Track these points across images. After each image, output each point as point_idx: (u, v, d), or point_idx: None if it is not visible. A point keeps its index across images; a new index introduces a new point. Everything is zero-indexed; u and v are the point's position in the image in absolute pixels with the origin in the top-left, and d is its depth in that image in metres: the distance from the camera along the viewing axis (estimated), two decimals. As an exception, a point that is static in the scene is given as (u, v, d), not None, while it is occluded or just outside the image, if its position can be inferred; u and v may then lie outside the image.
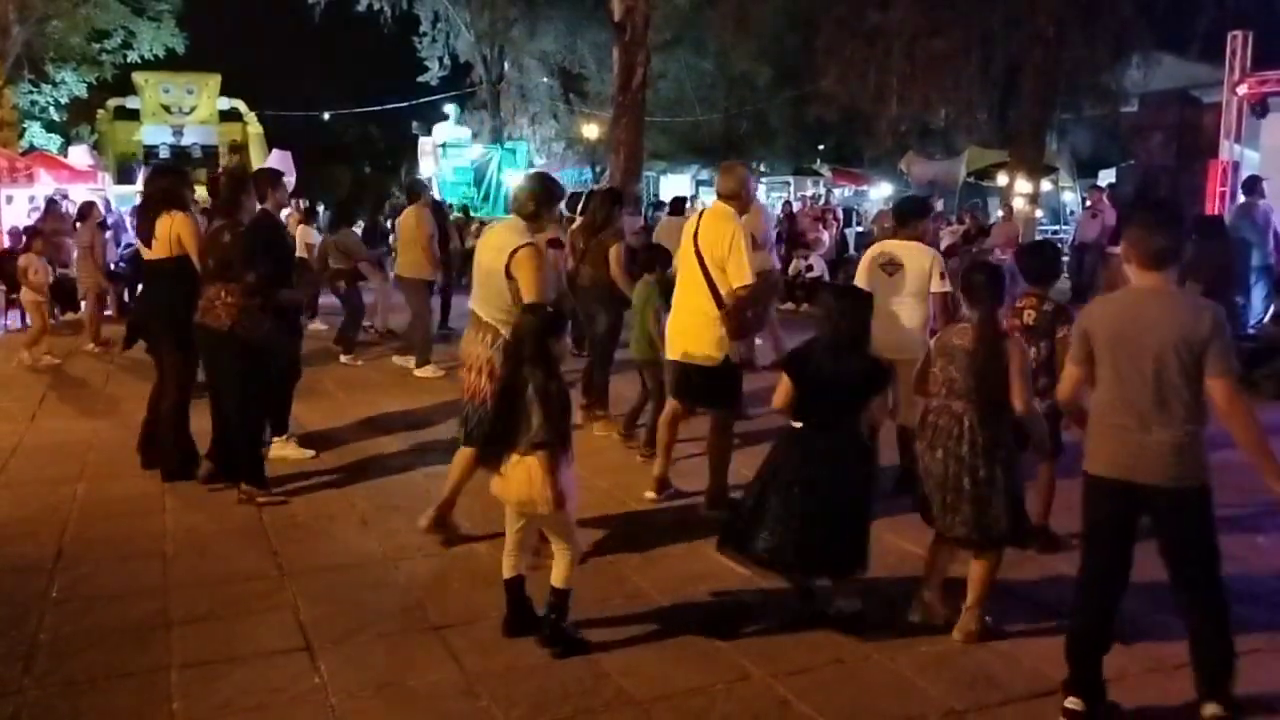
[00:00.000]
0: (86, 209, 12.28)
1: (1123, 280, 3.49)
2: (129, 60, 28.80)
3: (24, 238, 13.12)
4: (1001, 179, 19.68)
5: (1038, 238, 16.33)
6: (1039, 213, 18.35)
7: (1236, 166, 13.55)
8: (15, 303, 13.62)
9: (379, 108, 35.16)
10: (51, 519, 5.47)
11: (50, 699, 3.58)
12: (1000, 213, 17.36)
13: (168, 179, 6.53)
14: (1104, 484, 3.36)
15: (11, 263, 13.54)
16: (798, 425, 4.13)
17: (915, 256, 5.80)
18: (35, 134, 27.19)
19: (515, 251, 4.74)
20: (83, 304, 12.12)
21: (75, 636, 4.06)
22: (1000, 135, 21.61)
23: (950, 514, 3.96)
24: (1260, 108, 13.35)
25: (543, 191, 5.06)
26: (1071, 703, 3.39)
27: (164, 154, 25.72)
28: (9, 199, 16.20)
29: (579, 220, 8.98)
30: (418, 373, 9.65)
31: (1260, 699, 3.51)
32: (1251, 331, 10.29)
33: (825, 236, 16.63)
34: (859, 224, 22.91)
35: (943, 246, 16.14)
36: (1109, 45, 18.40)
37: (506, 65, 32.95)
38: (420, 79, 33.51)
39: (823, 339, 4.15)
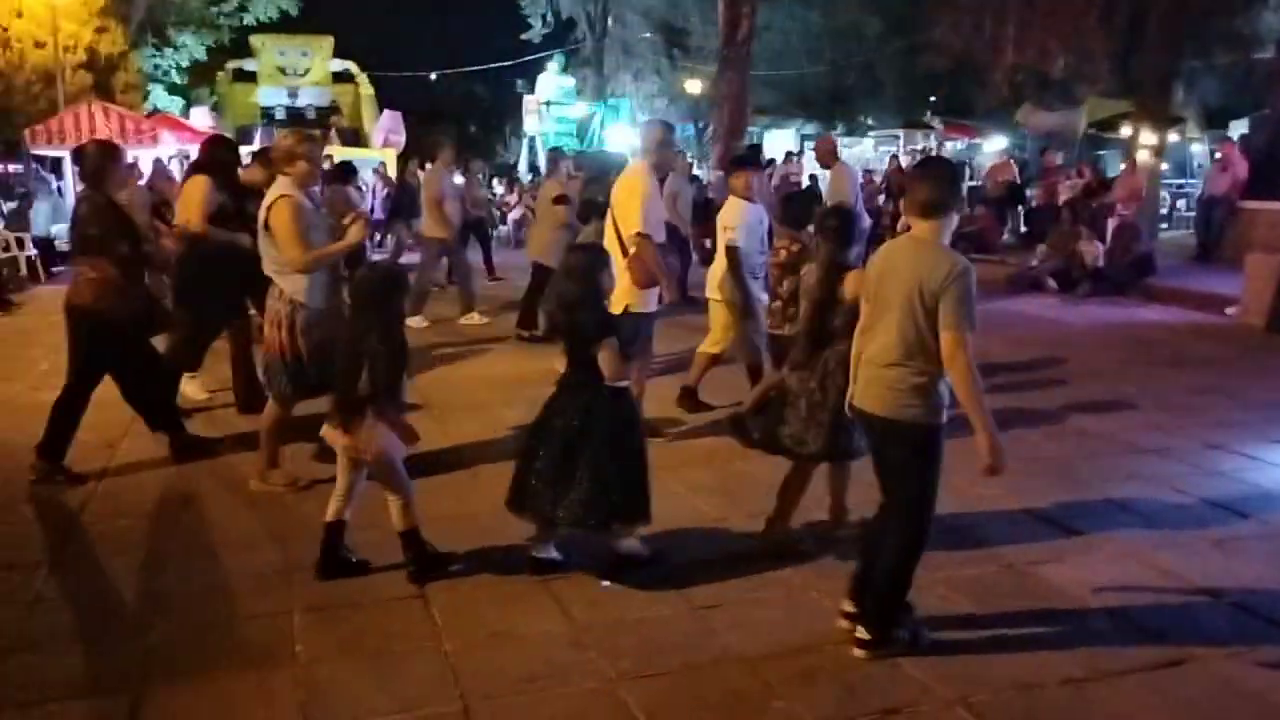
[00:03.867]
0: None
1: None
2: (245, 23, 29.61)
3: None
4: (1125, 131, 18.80)
5: (1153, 190, 15.65)
6: (1164, 165, 17.51)
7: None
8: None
9: (484, 67, 35.45)
10: (181, 466, 5.71)
11: (181, 639, 3.74)
12: (1122, 166, 16.62)
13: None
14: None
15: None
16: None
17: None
18: (159, 96, 28.22)
19: (271, 205, 4.98)
20: None
21: (203, 579, 4.25)
22: (1123, 85, 20.60)
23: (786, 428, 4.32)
24: None
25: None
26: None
27: (279, 115, 26.41)
28: (134, 159, 16.83)
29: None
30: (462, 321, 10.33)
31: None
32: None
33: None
34: (972, 178, 22.24)
35: (1061, 200, 15.61)
36: (1243, -14, 17.37)
37: (610, 21, 32.79)
38: (524, 36, 33.62)
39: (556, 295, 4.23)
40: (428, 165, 13.00)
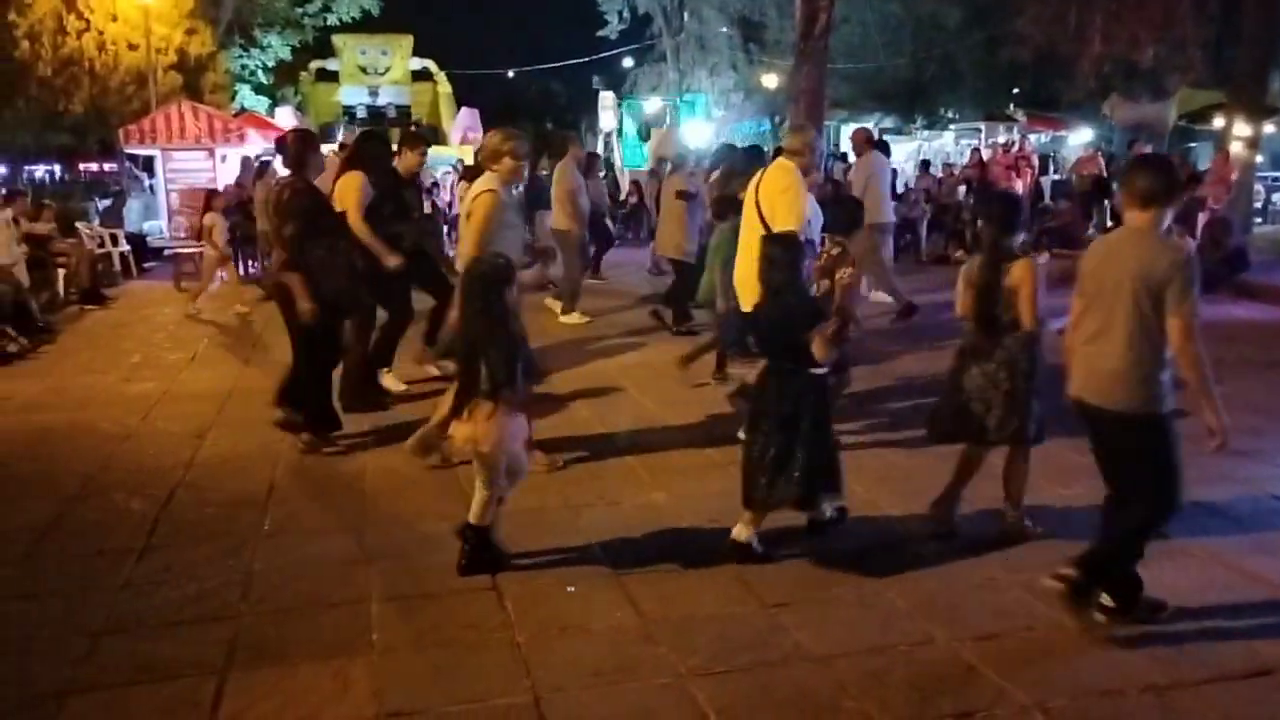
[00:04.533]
0: (263, 168, 13.18)
1: None
2: (328, 23, 30.21)
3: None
4: (1217, 122, 18.19)
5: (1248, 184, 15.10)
6: (1259, 158, 16.87)
7: None
8: (230, 256, 14.66)
9: (560, 64, 35.69)
10: (264, 457, 5.87)
11: (263, 624, 3.85)
12: (1214, 158, 16.07)
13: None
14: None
15: (228, 218, 14.55)
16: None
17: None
18: (245, 96, 28.97)
19: (476, 197, 5.18)
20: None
21: (285, 568, 4.36)
22: (1216, 75, 19.94)
23: (977, 421, 4.35)
24: None
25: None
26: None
27: (361, 114, 26.89)
28: (223, 158, 17.30)
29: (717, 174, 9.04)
30: (562, 319, 10.14)
31: None
32: None
33: (1019, 185, 15.86)
34: (1056, 171, 21.71)
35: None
36: (1347, -30, 16.61)
37: (686, 16, 32.72)
38: (600, 33, 33.72)
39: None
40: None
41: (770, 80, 29.41)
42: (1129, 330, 3.45)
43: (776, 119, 29.68)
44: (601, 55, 34.17)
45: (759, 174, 5.97)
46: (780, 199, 5.66)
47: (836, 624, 3.77)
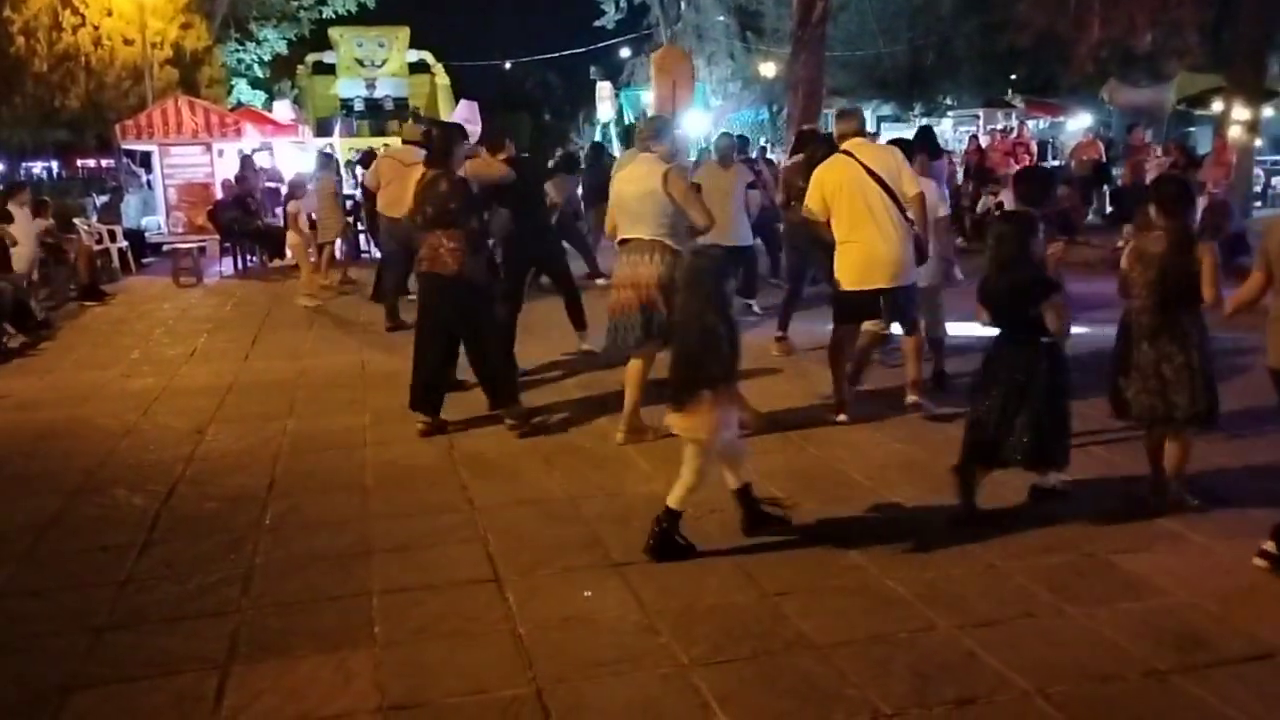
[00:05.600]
0: (325, 159, 13.64)
1: None
2: (324, 15, 30.11)
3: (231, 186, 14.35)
4: (1216, 106, 18.14)
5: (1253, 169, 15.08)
6: (1258, 141, 16.83)
7: None
8: (228, 250, 14.67)
9: (557, 54, 35.60)
10: (264, 452, 5.87)
11: (265, 618, 3.86)
12: (1215, 143, 16.03)
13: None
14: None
15: (225, 212, 14.56)
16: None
17: None
18: (242, 90, 28.91)
19: (665, 175, 5.49)
20: (324, 248, 13.02)
21: (286, 562, 4.36)
22: (1214, 58, 19.87)
23: (1156, 397, 4.46)
24: None
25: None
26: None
27: (358, 107, 26.75)
28: (220, 152, 17.26)
29: (793, 159, 8.99)
30: None
31: None
32: None
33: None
34: (1055, 157, 21.66)
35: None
36: (1345, -49, 16.56)
37: (683, 5, 32.62)
38: (597, 23, 33.62)
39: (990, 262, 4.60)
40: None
41: (768, 69, 29.33)
42: None
43: (774, 108, 29.63)
44: (598, 46, 34.10)
45: (844, 155, 6.10)
46: (902, 170, 5.96)
47: (838, 612, 3.77)
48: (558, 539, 4.50)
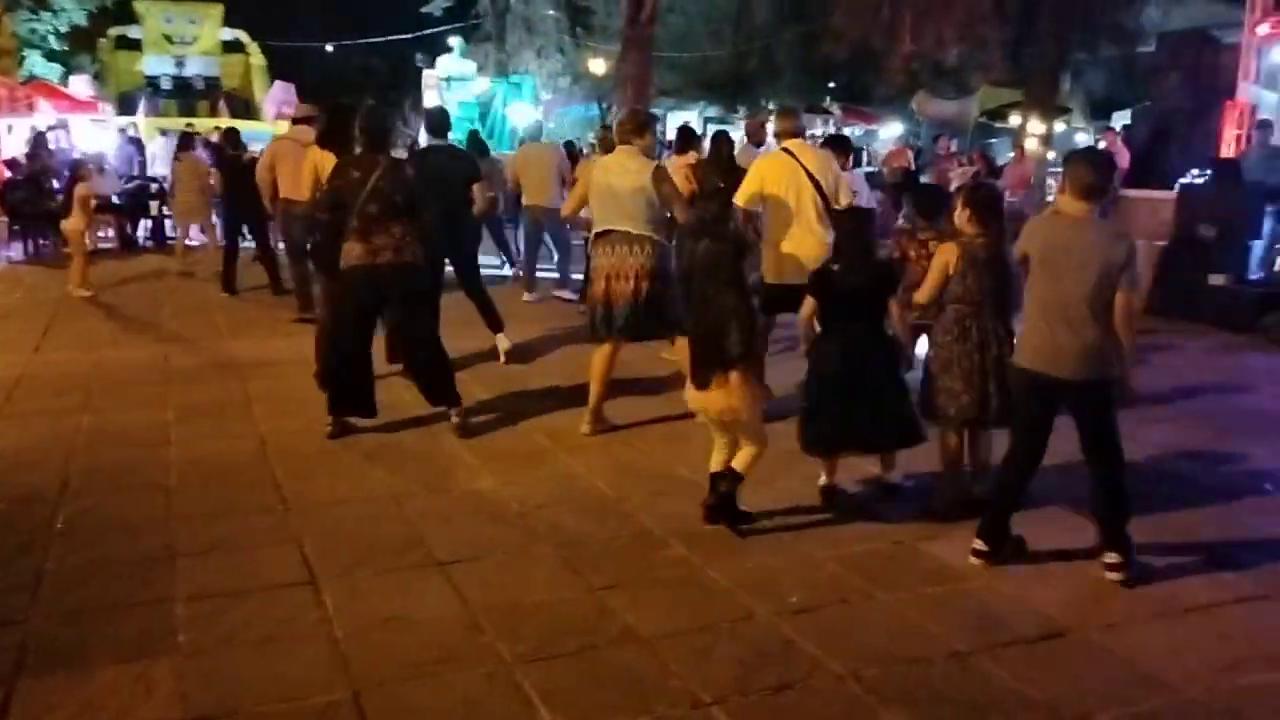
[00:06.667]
0: (188, 140, 12.71)
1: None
2: (130, -14, 28.29)
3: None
4: (1014, 119, 19.36)
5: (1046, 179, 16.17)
6: (1051, 154, 18.07)
7: (1254, 109, 13.31)
8: (17, 234, 13.63)
9: (382, 39, 34.61)
10: (56, 449, 5.47)
11: (56, 629, 3.58)
12: (1012, 154, 17.12)
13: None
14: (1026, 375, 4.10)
15: (14, 192, 13.51)
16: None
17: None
18: (35, 63, 26.82)
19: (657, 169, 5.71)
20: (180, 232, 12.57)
21: (80, 567, 4.06)
22: (1014, 74, 21.22)
23: (960, 395, 4.59)
24: (1281, 48, 13.08)
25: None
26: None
27: (165, 85, 25.37)
28: (9, 128, 16.02)
29: (682, 156, 8.86)
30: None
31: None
32: (1260, 276, 10.17)
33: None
34: (869, 164, 22.60)
35: (953, 187, 15.98)
36: (1128, -18, 18.02)
37: (512, -4, 32.35)
38: (424, 9, 32.92)
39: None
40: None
41: (598, 65, 29.40)
42: None
43: (604, 104, 29.75)
44: (425, 32, 33.30)
45: (786, 153, 6.36)
46: (846, 188, 6.41)
47: (663, 604, 3.81)
48: (378, 538, 4.37)
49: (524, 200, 10.56)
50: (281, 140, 9.17)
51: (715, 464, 4.52)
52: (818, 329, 4.78)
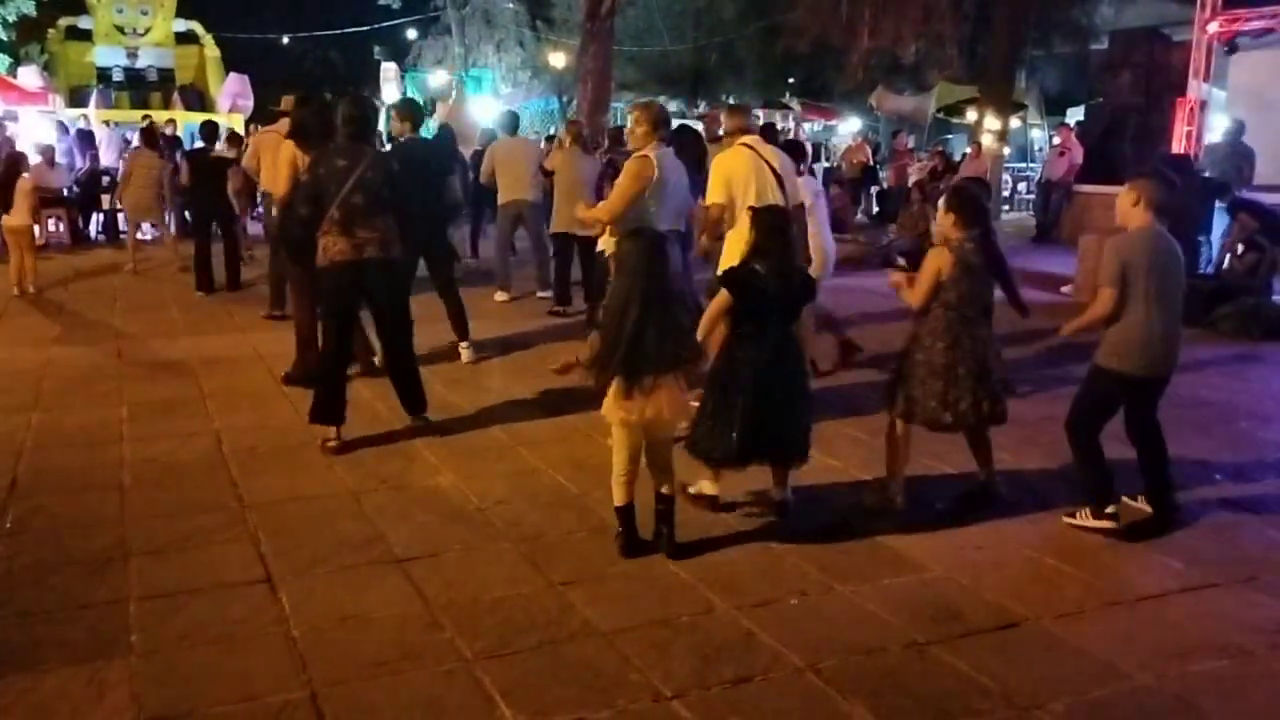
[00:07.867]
0: (149, 135, 12.43)
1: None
2: (80, -23, 27.75)
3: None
4: (970, 115, 19.57)
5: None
6: (1006, 150, 18.30)
7: (1204, 105, 13.56)
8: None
9: (339, 31, 34.26)
10: (5, 448, 5.37)
11: (5, 630, 3.52)
12: (968, 149, 17.31)
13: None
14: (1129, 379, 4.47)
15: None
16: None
17: None
18: (-18, 54, 26.25)
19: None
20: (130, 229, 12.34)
21: (30, 568, 3.99)
22: (970, 71, 21.45)
23: (958, 402, 4.54)
24: (1230, 46, 13.33)
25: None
26: None
27: (117, 77, 24.91)
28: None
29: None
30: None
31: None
32: (1210, 271, 10.37)
33: (792, 171, 16.50)
34: (828, 159, 22.75)
35: (911, 181, 16.14)
36: (1081, -20, 18.27)
37: (472, -13, 32.17)
38: (382, 1, 32.64)
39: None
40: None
41: (558, 59, 29.31)
42: None
43: (564, 98, 29.67)
44: (383, 25, 33.01)
45: (745, 149, 6.19)
46: (803, 186, 6.48)
47: (623, 598, 3.81)
48: (336, 536, 4.34)
49: (501, 197, 10.10)
50: (265, 134, 9.09)
51: (629, 495, 4.18)
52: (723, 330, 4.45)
